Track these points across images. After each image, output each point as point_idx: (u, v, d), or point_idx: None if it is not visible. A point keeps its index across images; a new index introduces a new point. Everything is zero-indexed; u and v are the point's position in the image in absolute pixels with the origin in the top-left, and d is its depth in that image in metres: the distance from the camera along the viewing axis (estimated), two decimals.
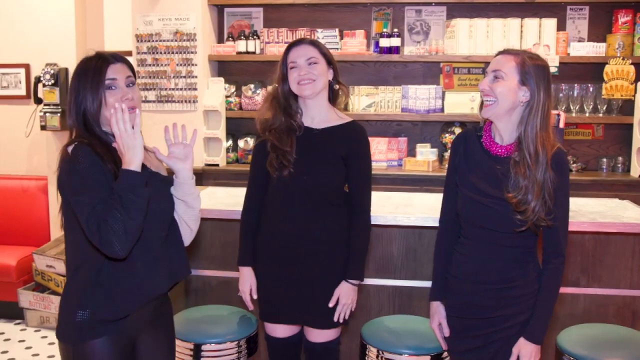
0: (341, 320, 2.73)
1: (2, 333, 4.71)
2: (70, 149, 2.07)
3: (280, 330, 2.81)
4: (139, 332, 2.23)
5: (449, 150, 2.53)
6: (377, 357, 2.68)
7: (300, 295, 2.72)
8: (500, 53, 2.33)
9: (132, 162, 2.00)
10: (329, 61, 2.74)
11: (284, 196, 2.72)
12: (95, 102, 2.12)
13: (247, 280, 2.82)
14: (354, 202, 2.75)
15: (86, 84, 2.13)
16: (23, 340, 4.57)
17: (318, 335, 2.77)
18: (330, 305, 2.71)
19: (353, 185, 2.76)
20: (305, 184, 2.68)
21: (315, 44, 2.74)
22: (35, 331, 4.72)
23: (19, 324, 4.87)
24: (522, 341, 2.32)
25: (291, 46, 2.76)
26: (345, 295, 2.71)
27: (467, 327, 2.43)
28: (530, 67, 2.23)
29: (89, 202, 1.97)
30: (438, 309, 2.54)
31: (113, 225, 1.94)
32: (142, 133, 2.12)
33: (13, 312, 4.90)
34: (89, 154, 2.04)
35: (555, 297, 2.35)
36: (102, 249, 1.97)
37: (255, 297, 2.82)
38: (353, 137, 2.74)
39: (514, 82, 2.24)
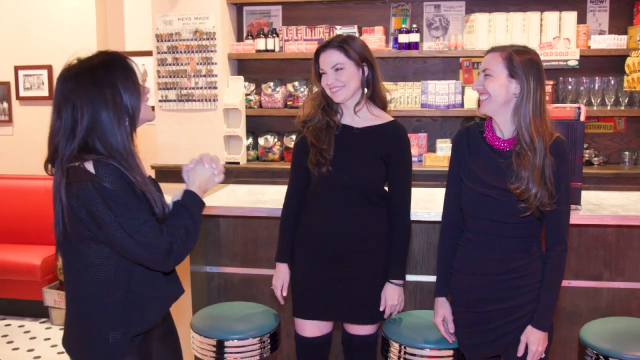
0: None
1: (28, 331, 4.78)
2: (89, 166, 1.89)
3: (310, 330, 2.81)
4: (155, 340, 2.19)
5: (451, 147, 2.57)
6: (400, 352, 2.68)
7: (337, 291, 2.73)
8: (488, 52, 2.41)
9: (203, 191, 2.17)
10: (360, 61, 2.67)
11: (324, 194, 2.73)
12: (137, 93, 2.01)
13: (280, 276, 2.85)
14: (393, 201, 2.74)
15: (122, 78, 1.98)
16: (49, 339, 4.63)
17: (359, 329, 2.79)
18: (381, 309, 2.74)
19: (393, 185, 2.74)
20: (345, 182, 2.67)
21: (342, 46, 2.65)
22: (61, 329, 4.77)
23: (44, 322, 4.94)
24: (529, 329, 2.38)
25: (319, 51, 2.71)
26: (390, 297, 2.73)
27: (477, 321, 2.45)
28: (517, 60, 2.30)
29: (141, 220, 1.91)
30: (443, 305, 2.58)
31: (183, 241, 2.00)
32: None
33: (38, 311, 4.97)
34: (116, 173, 1.90)
35: (559, 284, 2.40)
36: (158, 264, 1.98)
37: (285, 294, 2.84)
38: (393, 137, 2.71)
39: (503, 77, 2.32)
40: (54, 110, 2.00)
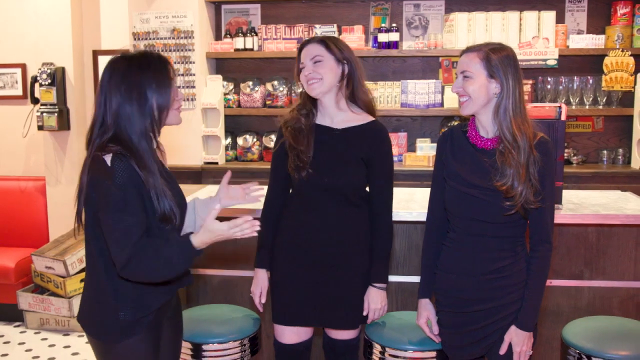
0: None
1: (2, 336, 4.68)
2: (108, 158, 2.02)
3: (289, 336, 2.76)
4: (164, 320, 2.31)
5: (436, 148, 2.56)
6: (382, 353, 2.65)
7: (319, 296, 2.69)
8: (463, 52, 2.39)
9: (205, 243, 2.09)
10: (341, 57, 2.64)
11: (305, 197, 2.69)
12: (167, 97, 2.13)
13: (259, 282, 2.80)
14: (375, 203, 2.70)
15: (155, 78, 2.11)
16: (23, 343, 4.54)
17: (342, 333, 2.76)
18: (364, 313, 2.70)
19: (374, 186, 2.71)
20: (326, 185, 2.63)
21: (324, 41, 2.64)
22: (35, 333, 4.70)
23: (18, 326, 4.85)
24: (513, 329, 2.37)
25: (301, 46, 2.69)
26: (373, 301, 2.70)
27: (462, 322, 2.44)
28: (495, 59, 2.30)
29: (124, 224, 2.00)
30: (427, 306, 2.57)
31: (145, 267, 2.03)
32: None
33: (12, 314, 4.87)
34: (129, 170, 2.02)
35: (543, 285, 2.40)
36: (118, 269, 2.05)
37: (264, 301, 2.80)
38: (374, 137, 2.67)
39: (482, 78, 2.31)
40: (96, 96, 2.15)
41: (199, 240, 2.08)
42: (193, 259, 2.10)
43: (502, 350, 2.38)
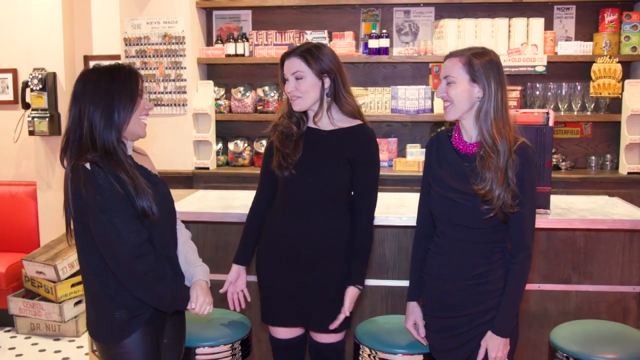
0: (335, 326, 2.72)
1: None
2: (87, 166, 2.14)
3: (283, 332, 2.80)
4: (164, 320, 2.39)
5: (424, 154, 2.58)
6: (371, 356, 2.67)
7: (303, 298, 2.70)
8: (447, 57, 2.41)
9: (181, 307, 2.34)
10: (321, 73, 2.63)
11: (289, 197, 2.71)
12: (129, 108, 2.25)
13: (230, 277, 2.86)
14: (357, 205, 2.71)
15: (120, 91, 2.23)
16: (13, 348, 4.54)
17: (324, 336, 2.77)
18: (347, 314, 2.69)
19: (358, 188, 2.71)
20: (310, 185, 2.65)
21: (304, 56, 2.62)
22: (26, 338, 4.69)
23: (8, 331, 4.84)
24: (489, 334, 2.38)
25: (283, 58, 2.70)
26: (349, 298, 2.70)
27: (446, 326, 2.46)
28: (477, 64, 2.31)
29: (121, 223, 2.14)
30: (414, 309, 2.59)
31: (144, 270, 2.20)
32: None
33: (3, 319, 4.86)
34: (108, 176, 2.15)
35: (520, 291, 2.39)
36: (124, 263, 2.17)
37: (236, 297, 2.85)
38: (360, 140, 2.68)
39: (464, 83, 2.33)
40: (69, 106, 2.28)
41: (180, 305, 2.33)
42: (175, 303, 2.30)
43: (479, 357, 2.39)
